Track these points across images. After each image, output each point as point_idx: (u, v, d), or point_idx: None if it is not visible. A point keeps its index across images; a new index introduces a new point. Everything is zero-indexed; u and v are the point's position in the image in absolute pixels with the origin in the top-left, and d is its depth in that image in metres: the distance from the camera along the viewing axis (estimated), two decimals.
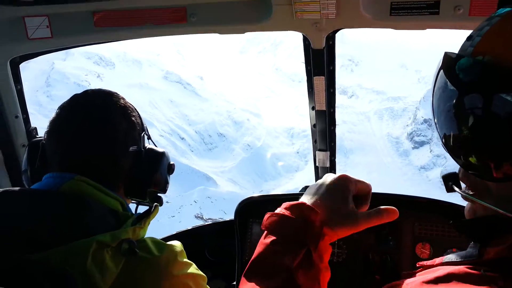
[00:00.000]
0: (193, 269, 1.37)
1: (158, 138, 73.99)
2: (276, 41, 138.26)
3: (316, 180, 3.39)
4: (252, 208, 2.81)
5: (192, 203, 56.60)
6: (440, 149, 75.71)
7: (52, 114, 1.42)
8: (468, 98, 0.85)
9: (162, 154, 1.54)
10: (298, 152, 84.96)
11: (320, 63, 2.56)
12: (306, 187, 3.37)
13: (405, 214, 2.74)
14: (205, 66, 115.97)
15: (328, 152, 3.03)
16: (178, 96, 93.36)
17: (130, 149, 1.43)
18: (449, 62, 0.92)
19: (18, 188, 1.22)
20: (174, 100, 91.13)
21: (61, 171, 1.31)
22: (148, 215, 1.34)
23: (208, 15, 2.31)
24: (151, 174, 1.48)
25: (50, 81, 78.70)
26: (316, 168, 3.17)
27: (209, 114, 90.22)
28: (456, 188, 1.02)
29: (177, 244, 1.35)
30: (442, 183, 1.07)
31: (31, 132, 2.68)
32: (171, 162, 1.59)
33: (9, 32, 2.35)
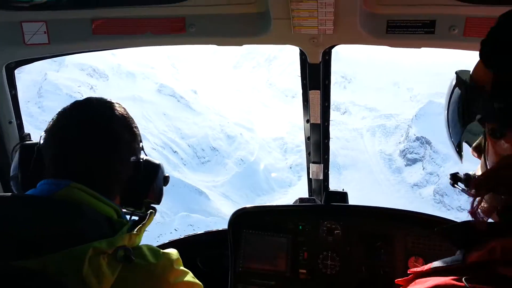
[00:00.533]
0: (190, 277, 1.38)
1: (150, 151, 73.25)
2: (270, 56, 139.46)
3: (309, 193, 3.33)
4: (246, 219, 2.86)
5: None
6: (432, 167, 75.96)
7: (50, 119, 1.39)
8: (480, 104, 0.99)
9: (159, 166, 1.57)
10: (291, 168, 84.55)
11: (316, 77, 2.59)
12: (300, 199, 3.10)
13: (397, 228, 2.80)
14: (199, 80, 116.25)
15: (322, 165, 3.04)
16: (171, 110, 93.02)
17: (130, 160, 1.45)
18: (462, 82, 1.04)
19: (12, 193, 1.21)
20: (167, 113, 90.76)
21: (58, 177, 1.30)
22: (143, 222, 1.34)
23: (206, 27, 2.31)
24: (148, 185, 1.51)
25: (42, 92, 78.00)
26: (309, 180, 3.19)
27: (202, 128, 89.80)
28: (460, 184, 1.17)
29: (173, 252, 1.36)
30: (449, 178, 1.18)
31: (24, 138, 2.65)
32: (166, 174, 1.63)
33: (6, 36, 2.31)
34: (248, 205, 2.94)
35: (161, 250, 1.32)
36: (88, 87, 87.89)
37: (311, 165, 3.10)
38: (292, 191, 75.01)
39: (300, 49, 2.45)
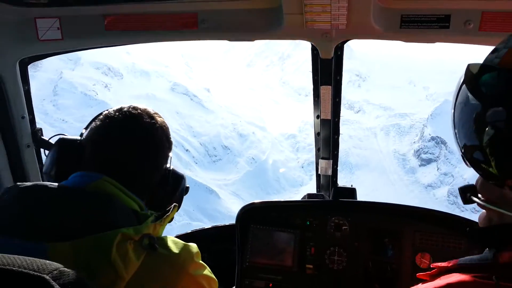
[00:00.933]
0: (208, 271, 1.46)
1: None
2: (284, 55, 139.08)
3: (318, 188, 3.35)
4: (254, 214, 2.87)
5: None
6: (447, 167, 74.74)
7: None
8: (490, 110, 0.89)
9: (183, 177, 1.65)
10: (302, 167, 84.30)
11: (327, 73, 2.57)
12: (308, 195, 3.16)
13: (405, 224, 2.80)
14: (212, 79, 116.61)
15: (331, 161, 3.05)
16: (184, 108, 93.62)
17: (163, 167, 1.54)
18: (472, 76, 0.95)
19: (46, 183, 1.26)
20: (180, 111, 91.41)
21: (90, 171, 1.37)
22: (166, 214, 1.41)
23: (218, 22, 2.31)
24: (173, 193, 1.59)
25: (58, 90, 79.35)
26: (318, 176, 3.19)
27: (214, 126, 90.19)
28: (474, 198, 1.07)
29: (193, 245, 1.43)
30: (459, 195, 1.12)
31: (36, 132, 2.66)
32: (187, 185, 1.70)
33: (20, 32, 2.33)
34: (256, 201, 2.95)
35: (183, 243, 1.39)
36: (102, 85, 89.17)
37: (320, 160, 3.10)
38: (303, 190, 74.25)
39: (312, 44, 2.43)
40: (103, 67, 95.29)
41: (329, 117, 2.80)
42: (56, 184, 1.28)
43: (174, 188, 1.59)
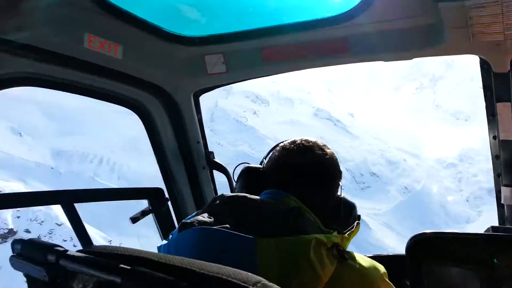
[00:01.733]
0: None
1: None
2: (435, 76, 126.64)
3: (500, 222, 3.12)
4: (427, 246, 2.55)
5: None
6: None
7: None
8: None
9: (354, 206, 1.70)
10: (467, 200, 72.25)
11: (504, 88, 2.40)
12: (493, 227, 2.76)
13: None
14: (356, 103, 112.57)
15: None
16: (328, 133, 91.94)
17: (335, 195, 1.61)
18: None
19: (246, 194, 1.46)
20: (324, 136, 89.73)
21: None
22: (351, 229, 1.51)
23: (371, 44, 2.30)
24: (345, 221, 1.64)
25: (214, 117, 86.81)
26: (500, 206, 2.93)
27: (360, 152, 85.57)
28: None
29: (380, 265, 1.46)
30: None
31: (209, 155, 2.91)
32: (359, 213, 1.72)
33: (192, 68, 2.62)
34: (427, 231, 2.49)
35: (371, 260, 1.43)
36: (251, 112, 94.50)
37: (502, 188, 2.81)
38: (470, 228, 63.31)
39: (480, 57, 2.28)
40: (251, 95, 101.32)
41: (510, 138, 2.60)
42: (254, 196, 1.45)
43: (346, 216, 1.65)
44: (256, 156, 71.85)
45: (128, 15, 2.24)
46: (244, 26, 2.50)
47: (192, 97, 2.76)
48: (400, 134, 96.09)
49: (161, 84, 2.62)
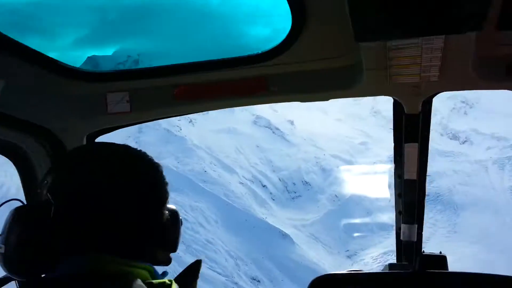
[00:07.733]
0: None
1: (237, 186, 71.55)
2: None
3: (398, 257, 3.13)
4: (328, 287, 2.69)
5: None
6: None
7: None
8: None
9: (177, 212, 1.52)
10: (393, 206, 73.82)
11: (413, 129, 2.42)
12: (390, 265, 3.01)
13: None
14: (297, 110, 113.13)
15: (416, 225, 2.83)
16: (265, 141, 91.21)
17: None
18: None
19: None
20: (261, 145, 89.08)
21: None
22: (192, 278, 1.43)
23: (290, 84, 2.26)
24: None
25: (143, 128, 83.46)
26: (399, 242, 2.97)
27: (295, 161, 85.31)
28: None
29: None
30: None
31: None
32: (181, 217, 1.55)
33: (90, 107, 2.40)
34: (329, 273, 2.73)
35: None
36: (187, 120, 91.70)
37: (402, 225, 2.86)
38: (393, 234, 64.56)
39: (394, 99, 2.28)
40: None
41: (414, 177, 2.58)
42: None
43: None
44: (180, 169, 69.72)
45: (13, 44, 1.92)
46: (154, 62, 2.33)
47: (85, 139, 2.48)
48: (338, 141, 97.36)
49: (46, 125, 2.30)
